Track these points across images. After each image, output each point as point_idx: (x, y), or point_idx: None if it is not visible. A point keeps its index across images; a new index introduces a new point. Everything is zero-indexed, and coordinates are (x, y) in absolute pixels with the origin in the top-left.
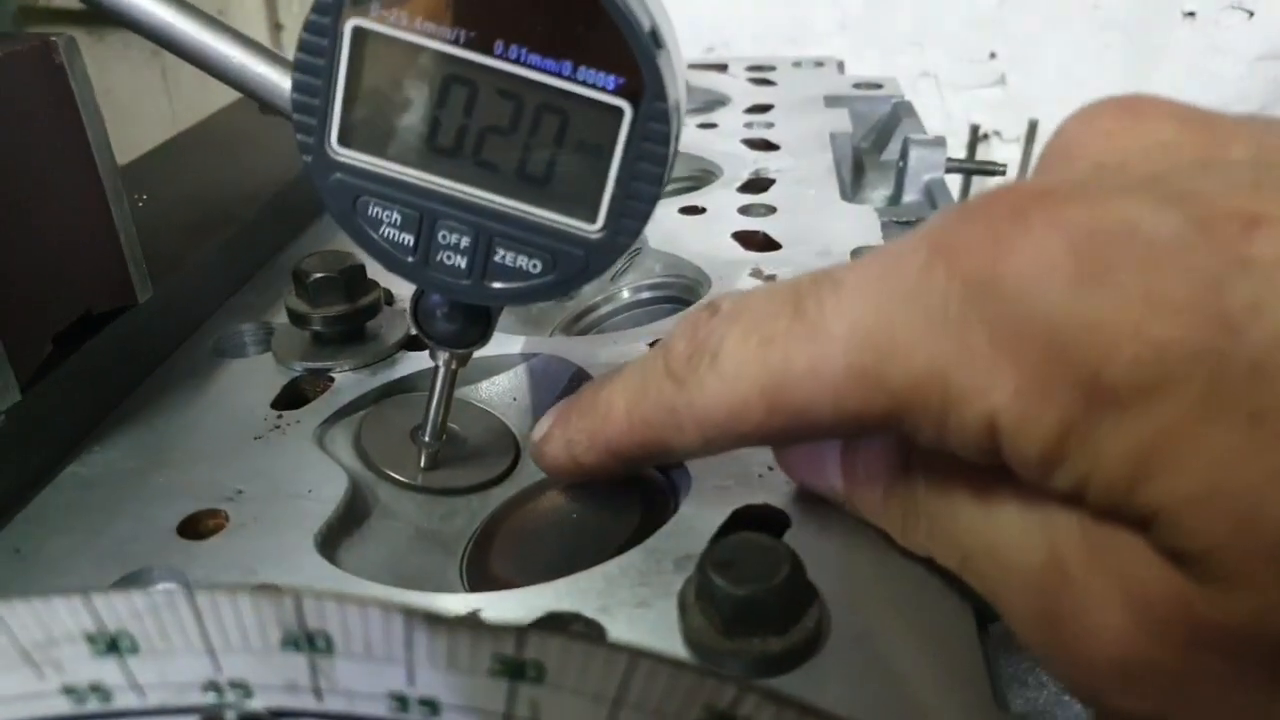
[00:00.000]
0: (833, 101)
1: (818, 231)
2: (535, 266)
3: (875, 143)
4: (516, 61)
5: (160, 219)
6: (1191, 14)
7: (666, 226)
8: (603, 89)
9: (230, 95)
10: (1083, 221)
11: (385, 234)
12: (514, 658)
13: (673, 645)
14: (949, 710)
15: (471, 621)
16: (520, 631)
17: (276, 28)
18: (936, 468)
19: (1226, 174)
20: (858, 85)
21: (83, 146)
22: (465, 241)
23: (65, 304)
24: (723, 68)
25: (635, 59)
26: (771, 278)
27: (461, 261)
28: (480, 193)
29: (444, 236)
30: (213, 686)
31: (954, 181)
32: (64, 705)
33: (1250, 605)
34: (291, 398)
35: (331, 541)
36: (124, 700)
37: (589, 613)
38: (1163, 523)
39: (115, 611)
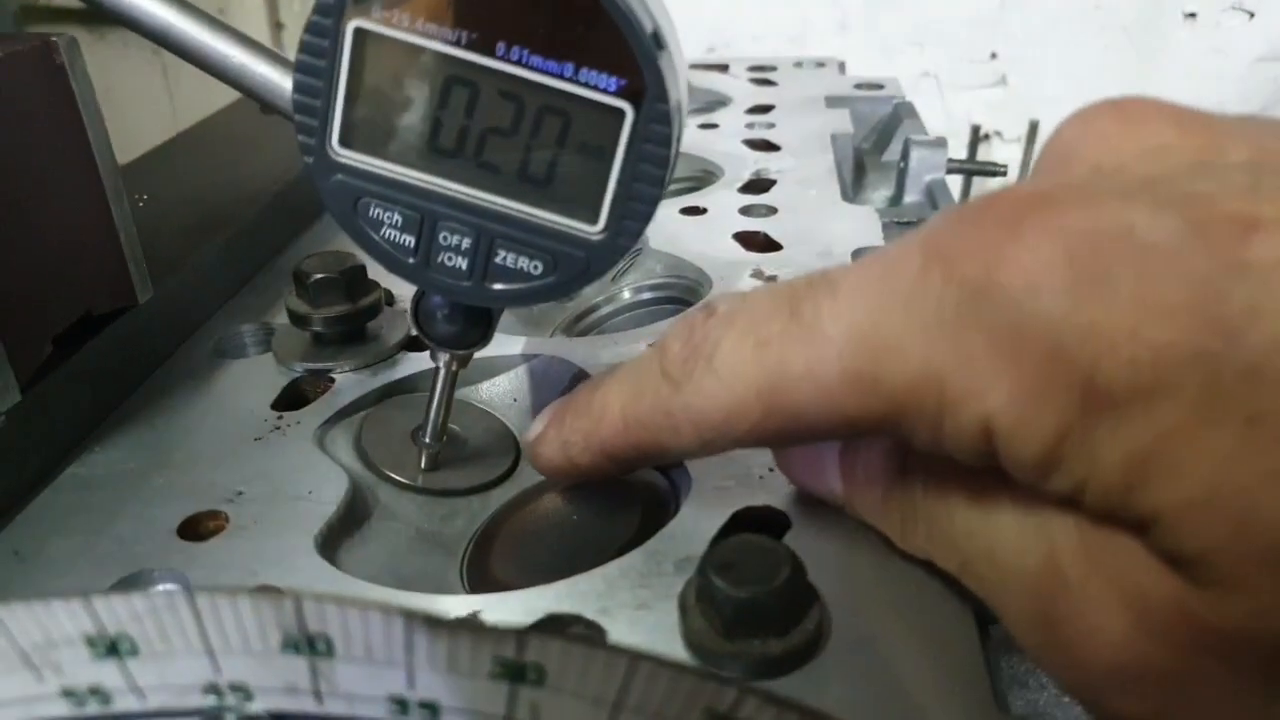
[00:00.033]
0: (834, 102)
1: (819, 232)
2: (536, 268)
3: (876, 143)
4: (518, 63)
5: (161, 219)
6: (1192, 15)
7: (668, 227)
8: (604, 90)
9: (231, 95)
10: (1079, 225)
11: (386, 235)
12: (514, 660)
13: (673, 647)
14: (949, 712)
15: (472, 624)
16: (521, 634)
17: (277, 26)
18: (935, 471)
19: (1224, 177)
20: (859, 86)
21: (83, 146)
22: (466, 243)
23: (65, 304)
24: (724, 68)
25: (637, 61)
26: (773, 278)
27: (462, 263)
28: (481, 194)
29: (445, 238)
30: (213, 689)
31: (955, 182)
32: (63, 708)
33: (1246, 608)
34: (292, 398)
35: (332, 543)
36: (124, 703)
37: (589, 614)
38: (1159, 526)
39: (115, 614)
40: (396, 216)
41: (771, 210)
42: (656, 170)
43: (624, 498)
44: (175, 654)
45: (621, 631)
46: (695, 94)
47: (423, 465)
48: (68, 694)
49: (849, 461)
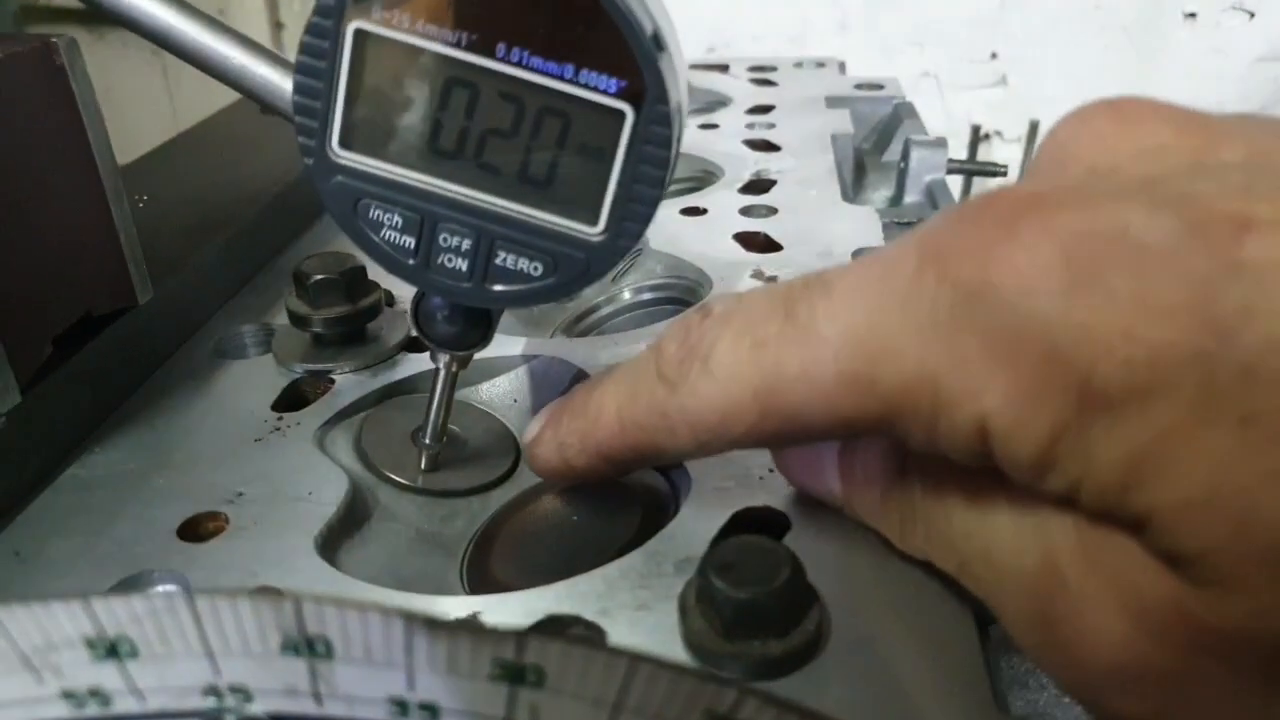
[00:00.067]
0: (834, 102)
1: (819, 233)
2: (536, 269)
3: (876, 143)
4: (518, 64)
5: (161, 220)
6: (1192, 15)
7: (668, 228)
8: (604, 92)
9: (231, 96)
10: (1074, 226)
11: (386, 236)
12: (514, 662)
13: (673, 648)
14: (949, 712)
15: (471, 626)
16: (520, 636)
17: (277, 26)
18: (932, 472)
19: (1219, 177)
20: (859, 86)
21: (83, 147)
22: (466, 244)
23: (65, 305)
24: (724, 68)
25: (637, 62)
26: (773, 279)
27: (462, 264)
28: (481, 195)
29: (445, 239)
30: (212, 691)
31: (955, 182)
32: (63, 710)
33: (1245, 608)
34: (292, 399)
35: (332, 544)
36: (123, 705)
37: (589, 615)
38: (1156, 526)
39: (115, 616)
40: (396, 218)
41: (772, 211)
42: (657, 171)
43: (624, 499)
44: (175, 656)
45: (621, 632)
46: (695, 94)
47: (423, 466)
48: (67, 696)
49: (847, 462)
